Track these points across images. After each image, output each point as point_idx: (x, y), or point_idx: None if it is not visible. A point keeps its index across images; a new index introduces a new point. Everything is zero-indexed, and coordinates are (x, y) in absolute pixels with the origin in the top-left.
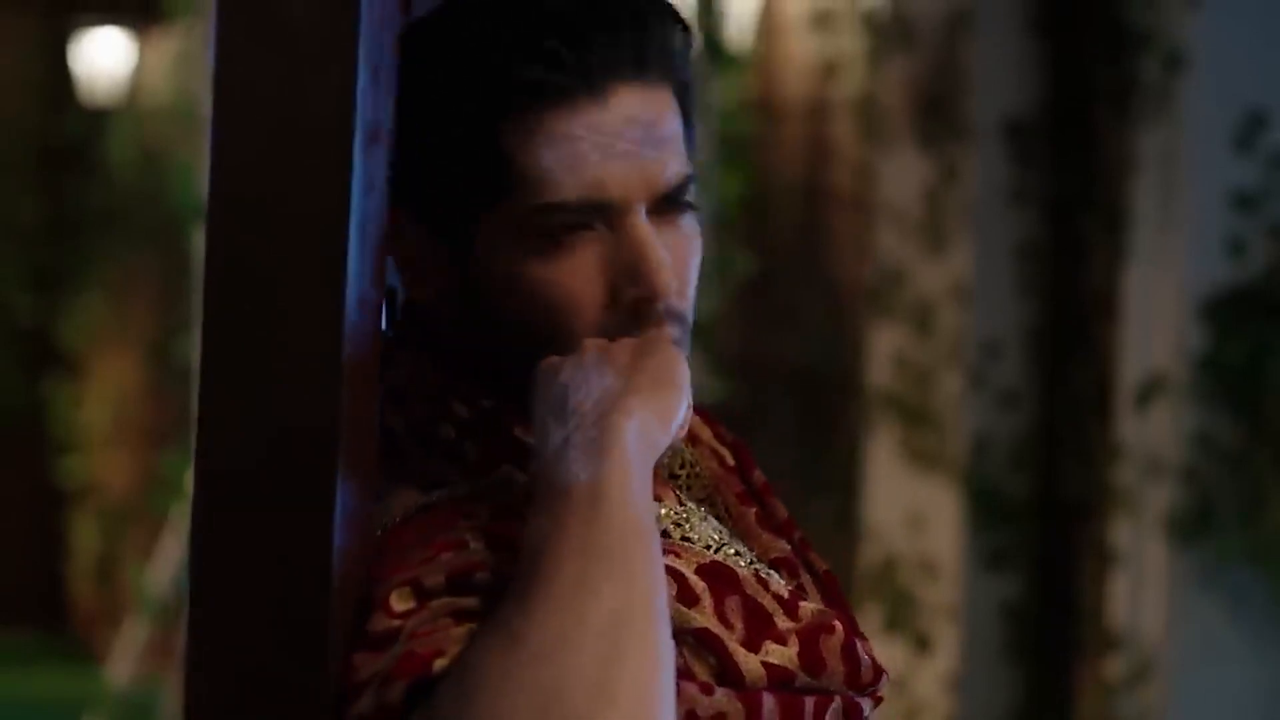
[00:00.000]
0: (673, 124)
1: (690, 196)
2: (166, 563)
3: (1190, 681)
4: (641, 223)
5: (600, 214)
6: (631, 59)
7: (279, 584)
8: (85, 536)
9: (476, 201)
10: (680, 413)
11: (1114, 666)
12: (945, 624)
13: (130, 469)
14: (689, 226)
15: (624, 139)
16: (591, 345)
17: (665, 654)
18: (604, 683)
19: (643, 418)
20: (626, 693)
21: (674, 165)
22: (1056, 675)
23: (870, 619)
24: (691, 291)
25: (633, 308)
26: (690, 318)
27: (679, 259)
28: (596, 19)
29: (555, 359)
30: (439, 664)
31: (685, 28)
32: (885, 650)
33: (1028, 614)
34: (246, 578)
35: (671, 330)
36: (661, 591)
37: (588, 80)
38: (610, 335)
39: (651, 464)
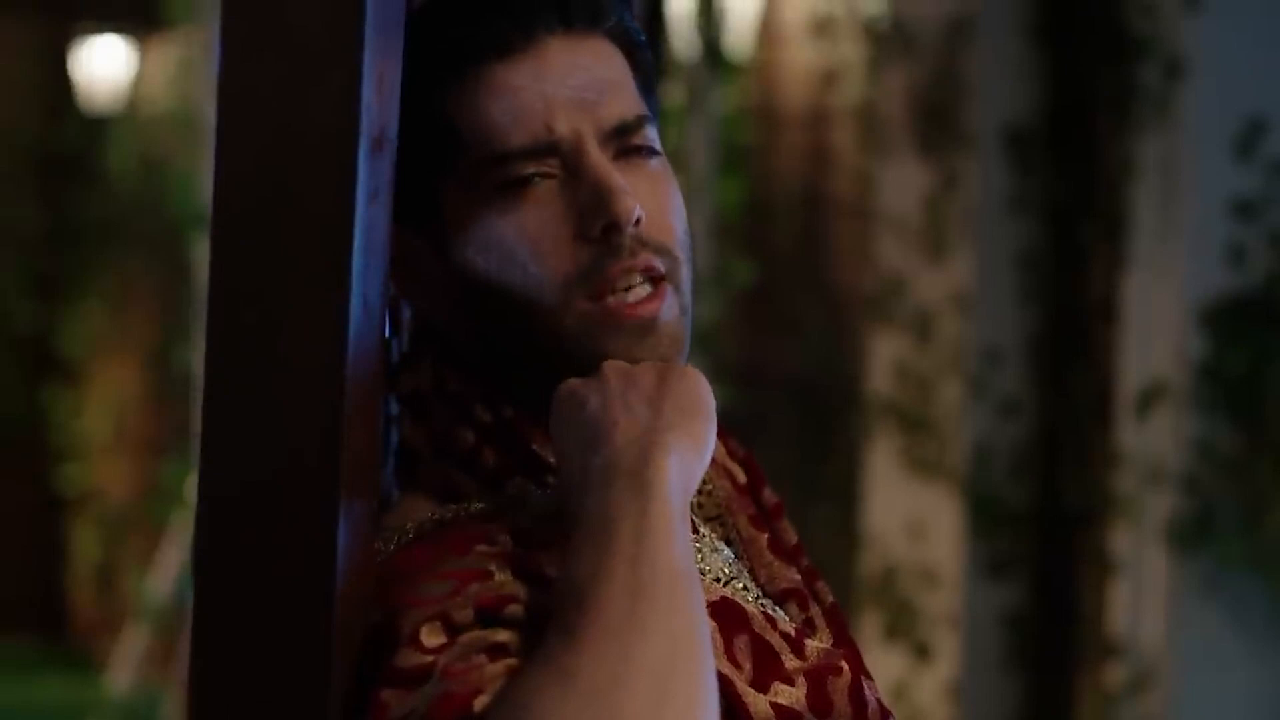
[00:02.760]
0: (614, 69)
1: (650, 140)
2: (167, 571)
3: (1191, 689)
4: (595, 154)
5: (554, 155)
6: (556, 12)
7: (282, 594)
8: (85, 544)
9: (436, 173)
10: (711, 438)
11: (1114, 674)
12: (945, 632)
13: (130, 477)
14: (655, 166)
15: (565, 85)
16: (611, 369)
17: (711, 693)
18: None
19: (681, 453)
20: None
21: (621, 105)
22: (1057, 683)
23: (870, 627)
24: (676, 225)
25: (601, 238)
26: (683, 254)
27: (648, 194)
28: None
29: (575, 382)
30: (480, 701)
31: None
32: (885, 659)
33: (1028, 622)
34: (249, 587)
35: (653, 260)
36: (705, 630)
37: (520, 34)
38: (584, 272)
39: (690, 497)
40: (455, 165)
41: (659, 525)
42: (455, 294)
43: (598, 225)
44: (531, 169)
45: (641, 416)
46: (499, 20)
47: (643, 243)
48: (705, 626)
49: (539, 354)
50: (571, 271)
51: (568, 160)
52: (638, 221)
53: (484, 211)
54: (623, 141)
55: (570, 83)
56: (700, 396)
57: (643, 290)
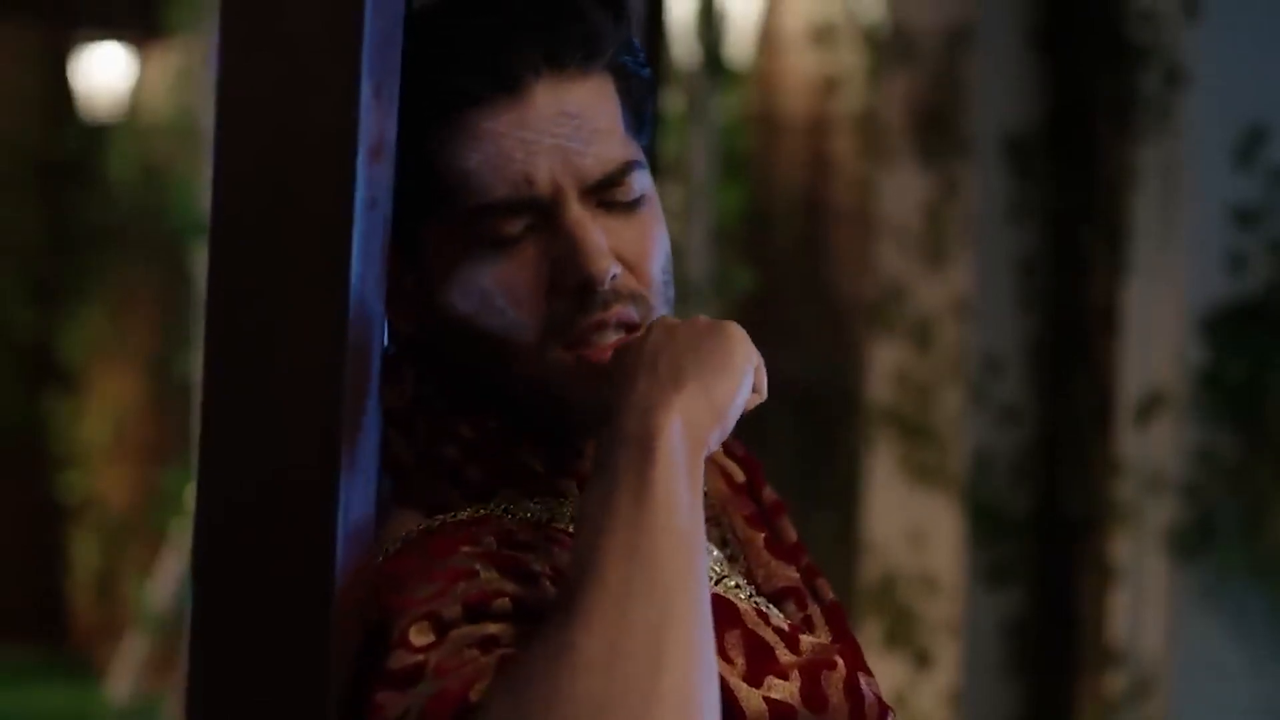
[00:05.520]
0: (602, 112)
1: (635, 181)
2: (167, 578)
3: (1191, 697)
4: (573, 213)
5: (533, 210)
6: (546, 55)
7: (280, 600)
8: (85, 552)
9: (421, 211)
10: (735, 398)
11: (1114, 682)
12: (945, 639)
13: (130, 484)
14: (643, 210)
15: (549, 134)
16: (659, 326)
17: (708, 658)
18: (651, 691)
19: (688, 414)
20: (673, 695)
21: (607, 154)
22: (1057, 691)
23: (870, 634)
24: (654, 272)
25: (575, 295)
26: (658, 299)
27: (629, 243)
28: (509, 22)
29: (628, 340)
30: (477, 691)
31: (617, 13)
32: (885, 666)
33: (1028, 629)
34: (248, 594)
35: (626, 311)
36: (704, 595)
37: (504, 80)
38: (559, 324)
39: (700, 458)
40: (439, 208)
41: (658, 487)
42: (436, 323)
43: (573, 282)
44: (512, 226)
45: (660, 377)
46: (484, 66)
47: (618, 294)
48: (705, 588)
49: (516, 387)
50: (547, 321)
51: (548, 213)
52: (613, 277)
53: (466, 257)
54: (605, 194)
55: (555, 130)
56: (729, 352)
57: (613, 336)
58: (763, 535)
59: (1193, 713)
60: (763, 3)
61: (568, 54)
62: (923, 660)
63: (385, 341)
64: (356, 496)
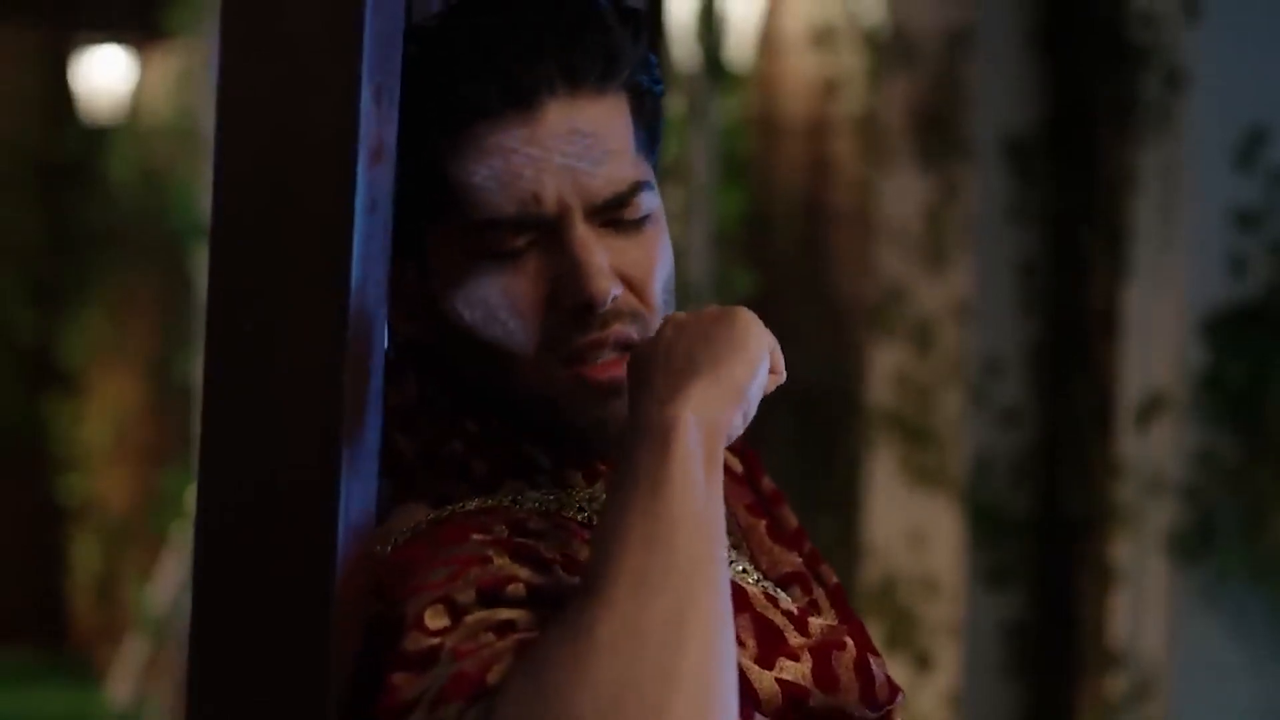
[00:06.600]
0: (614, 133)
1: (643, 201)
2: (167, 581)
3: (1191, 699)
4: (578, 233)
5: (539, 228)
6: (563, 73)
7: (280, 601)
8: (85, 554)
9: (424, 218)
10: (753, 380)
11: (1115, 684)
12: (946, 641)
13: (130, 487)
14: (648, 229)
15: (559, 152)
16: (671, 324)
17: (728, 642)
18: (670, 674)
19: (703, 401)
20: (691, 680)
21: (616, 174)
22: (1057, 693)
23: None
24: (657, 291)
25: (573, 313)
26: (656, 317)
27: (633, 262)
28: (527, 36)
29: (642, 344)
30: (494, 673)
31: (636, 30)
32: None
33: (1028, 631)
34: (248, 594)
35: (625, 331)
36: (724, 580)
37: (518, 96)
38: (557, 340)
39: (719, 444)
40: (445, 217)
41: (675, 475)
42: (437, 325)
43: (573, 302)
44: (518, 242)
45: (674, 369)
46: (498, 80)
47: (618, 313)
48: (724, 573)
49: (516, 393)
50: (545, 336)
51: (552, 229)
52: (614, 297)
53: (470, 268)
54: (612, 213)
55: (565, 149)
56: (741, 337)
57: (611, 355)
58: (764, 523)
59: (1193, 714)
60: (763, 5)
61: (585, 72)
62: (923, 662)
63: (386, 343)
64: (357, 497)
